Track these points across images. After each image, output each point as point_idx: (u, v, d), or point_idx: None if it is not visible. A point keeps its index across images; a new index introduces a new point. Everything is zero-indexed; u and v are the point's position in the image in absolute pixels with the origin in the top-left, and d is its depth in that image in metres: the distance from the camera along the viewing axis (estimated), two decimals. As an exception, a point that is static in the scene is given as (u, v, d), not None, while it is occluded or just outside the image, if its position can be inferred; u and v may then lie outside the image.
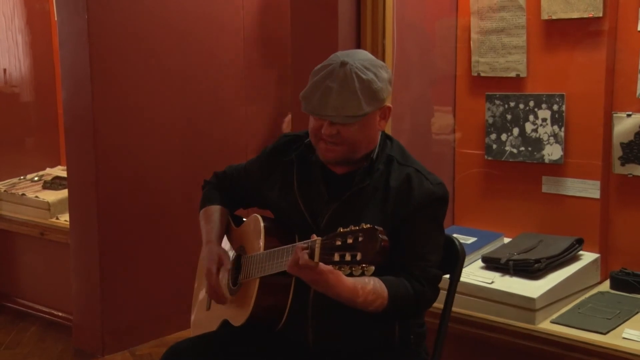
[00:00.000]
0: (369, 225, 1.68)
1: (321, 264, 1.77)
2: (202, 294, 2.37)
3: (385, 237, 1.66)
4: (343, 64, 1.92)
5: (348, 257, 1.68)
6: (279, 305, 2.02)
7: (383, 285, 1.90)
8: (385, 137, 2.10)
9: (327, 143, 1.97)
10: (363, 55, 1.99)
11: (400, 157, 2.05)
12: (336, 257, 1.69)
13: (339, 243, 1.70)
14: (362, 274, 1.70)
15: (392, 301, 1.90)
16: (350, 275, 1.72)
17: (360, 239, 1.67)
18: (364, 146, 2.00)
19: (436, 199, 2.01)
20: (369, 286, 1.87)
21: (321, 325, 2.03)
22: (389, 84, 1.99)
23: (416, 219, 1.97)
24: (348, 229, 1.70)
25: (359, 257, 1.66)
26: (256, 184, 2.22)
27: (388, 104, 2.01)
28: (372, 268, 1.69)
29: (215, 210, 2.27)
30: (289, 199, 2.08)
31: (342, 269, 1.70)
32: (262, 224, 2.09)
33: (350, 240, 1.68)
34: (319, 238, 1.75)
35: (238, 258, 2.19)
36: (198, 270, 2.44)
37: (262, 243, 2.06)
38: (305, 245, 1.79)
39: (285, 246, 1.93)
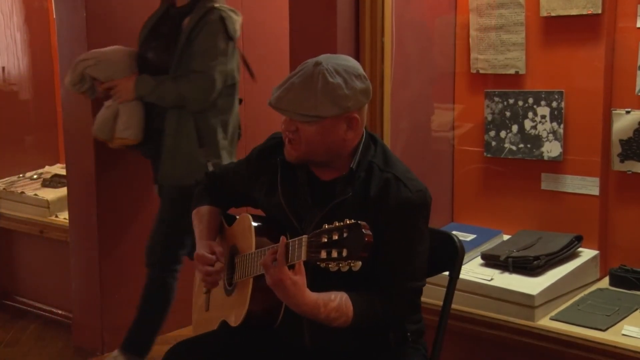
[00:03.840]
0: (352, 221, 1.68)
1: (285, 269, 1.77)
2: (200, 296, 2.37)
3: (369, 232, 1.66)
4: (317, 64, 1.91)
5: (334, 254, 1.68)
6: (275, 304, 2.01)
7: (349, 303, 1.88)
8: (370, 141, 2.05)
9: (290, 142, 1.97)
10: (343, 61, 1.95)
11: (381, 163, 2.00)
12: (323, 254, 1.69)
13: (325, 240, 1.70)
14: (350, 270, 1.69)
15: (356, 320, 1.89)
16: (338, 271, 1.71)
17: (345, 234, 1.67)
18: (324, 151, 1.96)
19: (414, 208, 1.94)
20: (332, 303, 1.85)
21: (317, 325, 2.02)
22: (362, 95, 1.93)
23: (394, 228, 1.93)
24: (333, 226, 1.70)
25: (344, 253, 1.66)
26: (244, 185, 2.22)
27: (356, 114, 1.95)
28: (359, 264, 1.68)
29: (207, 210, 2.27)
30: (275, 202, 2.07)
31: (330, 266, 1.69)
32: (252, 223, 2.09)
33: (335, 237, 1.68)
34: (305, 235, 1.75)
35: (232, 258, 2.19)
36: (196, 271, 2.44)
37: (253, 242, 2.05)
38: (290, 245, 1.79)
39: (275, 245, 1.92)
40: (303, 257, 1.74)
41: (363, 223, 1.66)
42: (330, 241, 1.68)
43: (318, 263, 1.72)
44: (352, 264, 1.68)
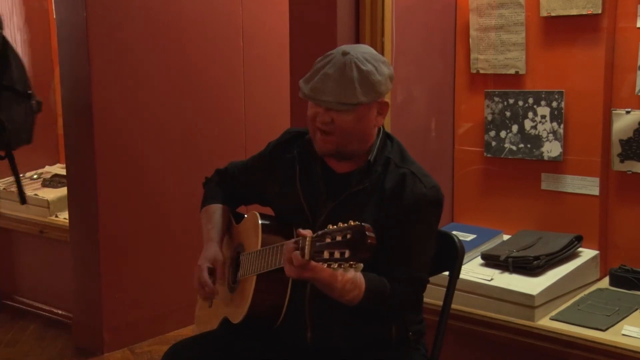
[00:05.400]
0: (356, 222, 1.68)
1: (312, 262, 1.77)
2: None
3: (372, 234, 1.66)
4: (344, 53, 1.94)
5: (337, 255, 1.68)
6: (277, 302, 2.02)
7: (362, 279, 1.89)
8: (386, 137, 2.09)
9: (322, 133, 1.97)
10: (366, 49, 2.00)
11: (398, 158, 2.04)
12: (326, 255, 1.69)
13: (328, 240, 1.69)
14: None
15: (367, 296, 1.89)
16: None
17: (348, 236, 1.67)
18: (358, 139, 1.99)
19: (428, 203, 1.99)
20: (348, 275, 1.85)
21: (319, 323, 2.03)
22: (389, 80, 1.99)
23: (406, 221, 1.96)
24: (336, 227, 1.70)
25: (347, 254, 1.66)
26: (258, 181, 2.22)
27: (387, 99, 2.01)
28: (361, 265, 1.69)
29: (217, 209, 2.27)
30: (291, 194, 2.08)
31: (332, 266, 1.70)
32: (259, 221, 2.09)
33: (339, 238, 1.68)
34: (309, 235, 1.76)
35: (237, 255, 2.19)
36: None
37: (259, 240, 2.06)
38: (295, 244, 1.79)
39: (280, 243, 1.93)
40: (306, 256, 1.74)
41: (367, 225, 1.66)
42: (333, 242, 1.69)
43: (321, 263, 1.72)
44: (354, 266, 1.68)
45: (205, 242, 2.22)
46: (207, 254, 2.18)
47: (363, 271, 1.88)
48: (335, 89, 1.91)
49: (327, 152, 2.01)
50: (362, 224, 1.67)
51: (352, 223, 1.68)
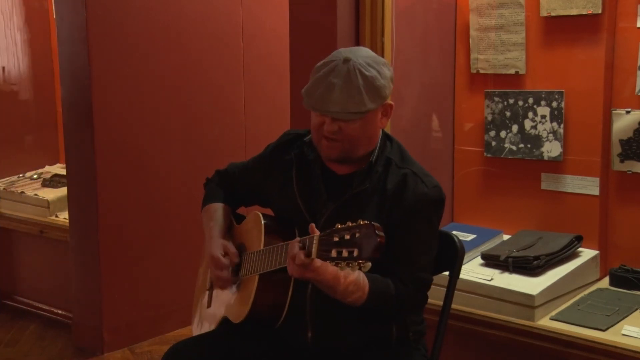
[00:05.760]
0: (366, 222, 1.68)
1: (316, 260, 1.77)
2: (203, 292, 2.38)
3: (382, 234, 1.66)
4: (346, 60, 1.92)
5: (345, 253, 1.68)
6: (278, 302, 2.02)
7: (366, 280, 1.89)
8: (386, 138, 2.09)
9: (328, 140, 1.97)
10: (365, 53, 1.99)
11: (398, 159, 2.04)
12: (333, 253, 1.69)
13: (336, 239, 1.70)
14: (359, 270, 1.70)
15: (371, 297, 1.90)
16: None
17: (357, 235, 1.67)
18: (364, 143, 1.99)
19: (430, 202, 1.99)
20: (351, 277, 1.86)
21: (319, 323, 2.03)
22: (391, 81, 1.99)
23: (409, 221, 1.97)
24: (345, 225, 1.70)
25: (355, 253, 1.66)
26: (257, 182, 2.22)
27: (389, 101, 2.01)
28: (369, 264, 1.69)
29: (218, 207, 2.27)
30: (289, 197, 2.08)
31: (340, 265, 1.70)
32: (262, 221, 2.09)
33: (347, 236, 1.68)
34: (317, 234, 1.75)
35: (239, 255, 2.19)
36: (200, 268, 2.44)
37: (262, 240, 2.06)
38: (301, 242, 1.79)
39: (284, 243, 1.93)
40: (313, 255, 1.74)
41: (376, 224, 1.67)
42: (341, 240, 1.69)
43: (328, 261, 1.72)
44: (362, 264, 1.68)
45: (207, 240, 2.22)
46: (216, 245, 2.15)
47: (366, 272, 1.89)
48: (342, 98, 1.90)
49: (334, 158, 2.01)
50: (372, 222, 1.67)
51: (361, 222, 1.68)
